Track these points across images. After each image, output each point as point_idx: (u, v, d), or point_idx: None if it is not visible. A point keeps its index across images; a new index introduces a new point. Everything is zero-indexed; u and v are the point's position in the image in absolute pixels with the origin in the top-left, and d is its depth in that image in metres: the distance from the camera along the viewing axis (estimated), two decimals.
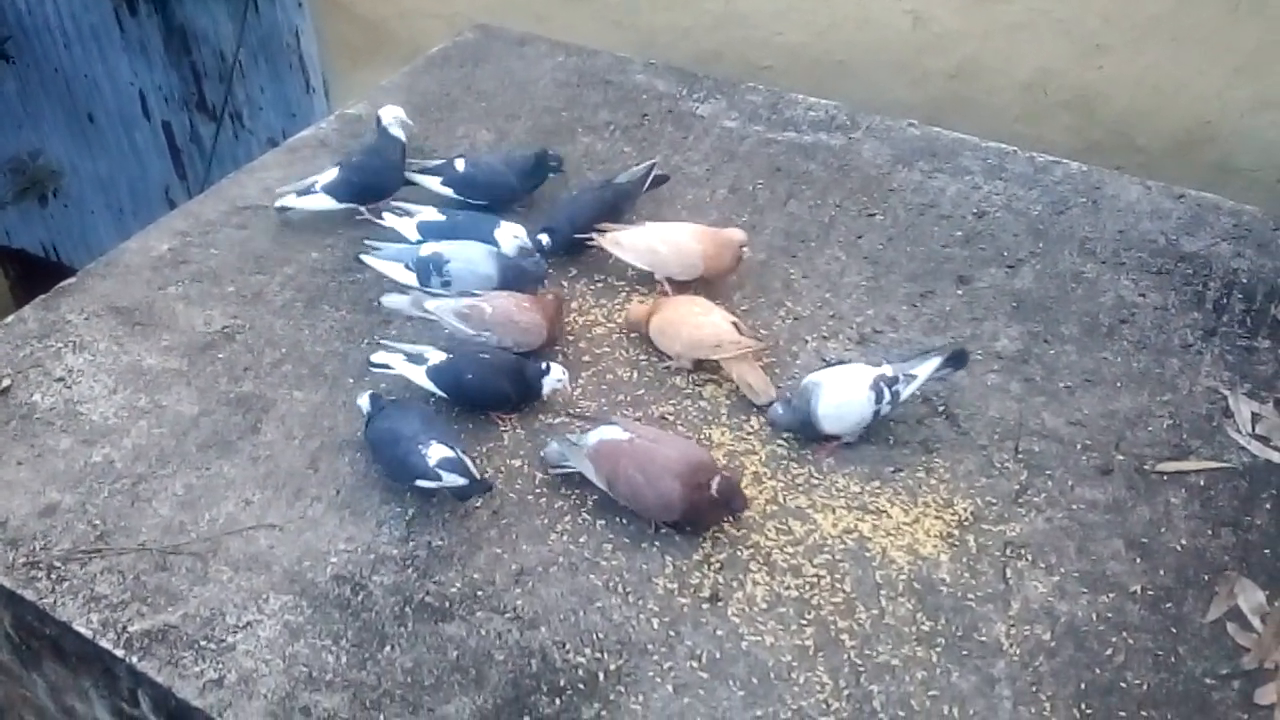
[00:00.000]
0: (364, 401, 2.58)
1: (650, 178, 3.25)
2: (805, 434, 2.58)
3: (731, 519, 2.41)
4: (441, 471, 2.35)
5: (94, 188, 6.70)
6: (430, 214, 3.12)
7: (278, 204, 3.26)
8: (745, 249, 2.95)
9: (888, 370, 2.54)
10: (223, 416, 2.68)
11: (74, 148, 6.56)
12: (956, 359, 2.59)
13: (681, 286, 2.96)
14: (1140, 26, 3.64)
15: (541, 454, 2.52)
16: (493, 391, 2.63)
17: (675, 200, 3.33)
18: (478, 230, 3.03)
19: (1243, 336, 2.85)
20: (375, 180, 3.25)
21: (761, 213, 3.29)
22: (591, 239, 3.03)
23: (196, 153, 6.17)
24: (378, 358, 2.68)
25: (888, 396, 2.51)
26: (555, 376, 2.62)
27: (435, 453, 2.37)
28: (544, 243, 3.05)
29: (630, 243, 2.99)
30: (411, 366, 2.64)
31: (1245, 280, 3.02)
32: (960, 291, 3.01)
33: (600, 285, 3.04)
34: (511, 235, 2.99)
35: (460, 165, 3.31)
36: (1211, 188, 3.42)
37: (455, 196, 3.31)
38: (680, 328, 2.73)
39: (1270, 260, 3.08)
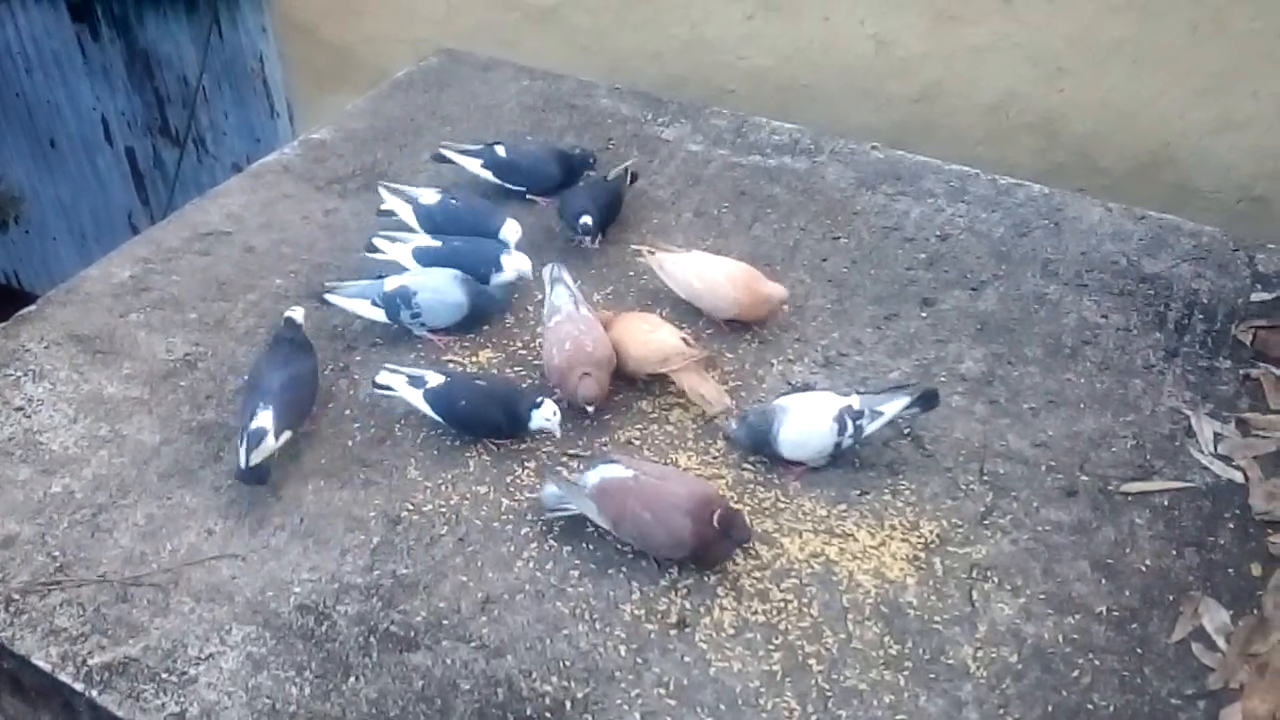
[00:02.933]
0: (296, 313, 2.70)
1: (629, 176, 3.38)
2: (762, 454, 2.59)
3: (739, 552, 2.38)
4: (246, 438, 2.45)
5: (56, 214, 6.64)
6: (423, 240, 3.08)
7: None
8: (785, 305, 2.94)
9: (855, 403, 2.53)
10: (184, 445, 2.65)
11: (36, 173, 6.51)
12: (927, 399, 2.57)
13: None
14: (1101, 50, 3.67)
15: (540, 497, 2.47)
16: (483, 419, 2.61)
17: (641, 224, 3.33)
18: (479, 253, 3.01)
19: (1204, 357, 2.87)
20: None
21: (726, 236, 3.29)
22: (650, 250, 3.08)
23: (160, 178, 6.13)
24: (381, 378, 2.67)
25: (850, 430, 2.51)
26: (544, 414, 2.55)
27: (257, 420, 2.45)
28: (588, 224, 3.10)
29: (672, 268, 2.99)
30: (412, 389, 2.62)
31: (1206, 301, 3.04)
32: (924, 314, 3.02)
33: None
34: (514, 267, 2.99)
35: (501, 151, 3.39)
36: (1172, 209, 3.46)
37: (494, 180, 3.40)
38: (629, 345, 2.73)
39: (1230, 281, 3.11)
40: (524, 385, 2.74)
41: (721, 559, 2.36)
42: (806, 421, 2.52)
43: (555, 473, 2.51)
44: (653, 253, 3.05)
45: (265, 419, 2.48)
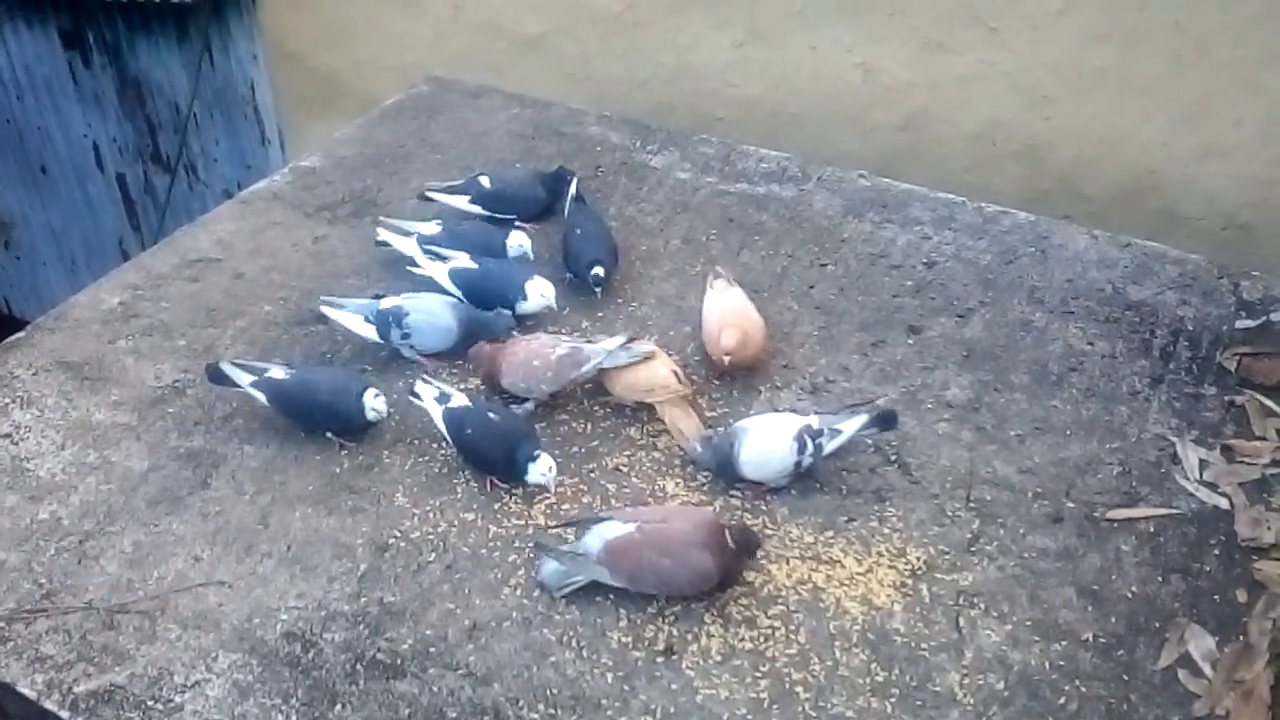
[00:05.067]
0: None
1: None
2: (725, 476, 2.60)
3: (751, 561, 2.39)
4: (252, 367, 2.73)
5: (46, 240, 6.63)
6: (464, 260, 3.10)
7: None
8: (726, 358, 2.81)
9: (814, 422, 2.56)
10: (172, 472, 2.65)
11: (27, 199, 6.50)
12: (885, 420, 2.60)
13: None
14: (1086, 78, 3.70)
15: (539, 580, 2.40)
16: (481, 454, 2.61)
17: (630, 251, 3.34)
18: (509, 280, 3.03)
19: (1189, 384, 2.89)
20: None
21: (715, 263, 3.29)
22: (719, 272, 3.07)
23: (151, 204, 6.13)
24: (418, 387, 2.69)
25: (810, 449, 2.53)
26: (540, 469, 2.52)
27: (276, 369, 2.73)
28: (601, 275, 3.09)
29: (715, 293, 2.99)
30: (436, 405, 2.64)
31: (1191, 328, 3.06)
32: (911, 341, 3.03)
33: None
34: (539, 293, 3.00)
35: (486, 182, 3.41)
36: (1157, 236, 3.48)
37: (483, 213, 3.41)
38: (621, 371, 2.75)
39: (1215, 308, 3.13)
40: (534, 430, 2.71)
41: (740, 575, 2.37)
42: (766, 442, 2.54)
43: (547, 549, 2.41)
44: (719, 275, 3.04)
45: (278, 372, 2.72)
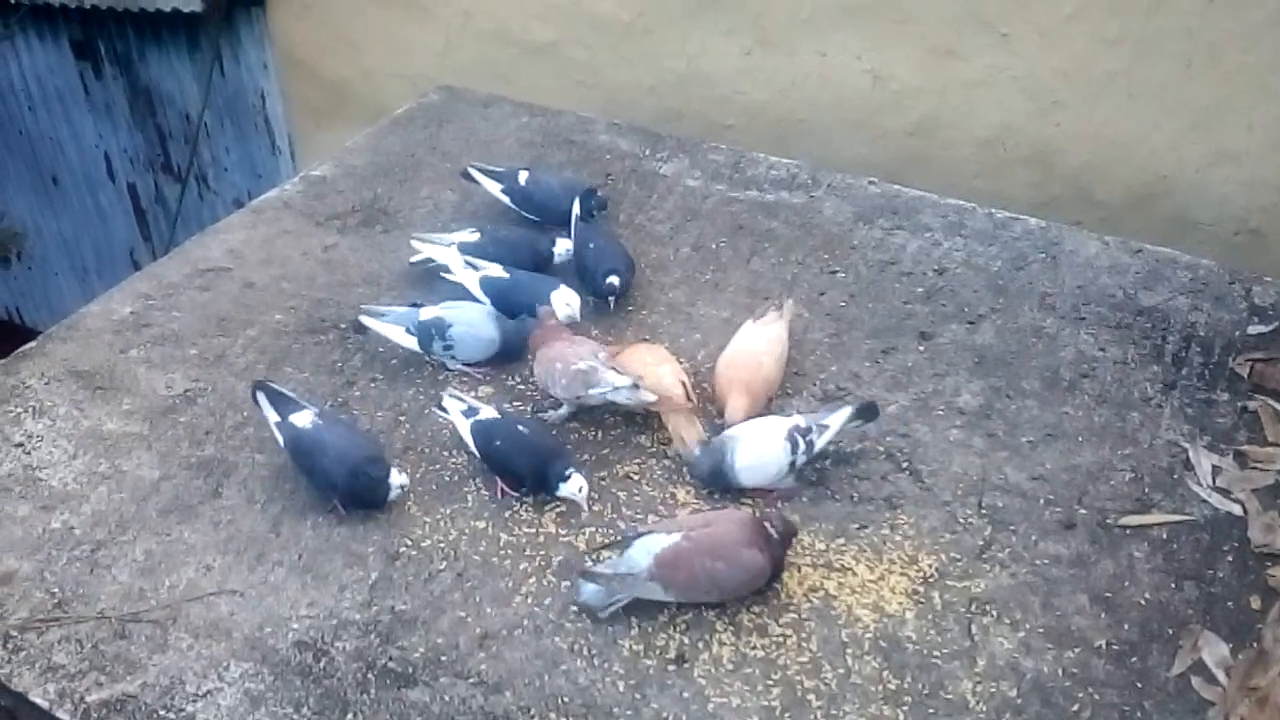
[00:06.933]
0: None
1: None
2: (720, 485, 2.60)
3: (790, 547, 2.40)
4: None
5: (58, 250, 6.67)
6: (495, 270, 3.10)
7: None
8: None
9: (800, 421, 2.58)
10: (183, 481, 2.66)
11: (38, 209, 6.54)
12: (867, 411, 2.63)
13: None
14: (1096, 83, 3.70)
15: (579, 602, 2.36)
16: (508, 466, 2.60)
17: (640, 258, 3.34)
18: (536, 291, 3.01)
19: (1202, 389, 2.88)
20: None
21: (725, 270, 3.31)
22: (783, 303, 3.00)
23: (162, 214, 6.16)
24: (445, 402, 2.69)
25: (803, 446, 2.54)
26: (572, 488, 2.50)
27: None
28: (615, 284, 3.08)
29: (753, 326, 2.91)
30: (463, 419, 2.64)
31: (1203, 333, 3.05)
32: (922, 347, 3.03)
33: None
34: (564, 302, 2.98)
35: (523, 178, 3.44)
36: (1169, 241, 3.47)
37: (511, 206, 3.45)
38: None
39: (1227, 313, 3.12)
40: (567, 446, 2.68)
41: (781, 569, 2.38)
42: (759, 446, 2.55)
43: (591, 575, 2.35)
44: (776, 306, 2.97)
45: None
